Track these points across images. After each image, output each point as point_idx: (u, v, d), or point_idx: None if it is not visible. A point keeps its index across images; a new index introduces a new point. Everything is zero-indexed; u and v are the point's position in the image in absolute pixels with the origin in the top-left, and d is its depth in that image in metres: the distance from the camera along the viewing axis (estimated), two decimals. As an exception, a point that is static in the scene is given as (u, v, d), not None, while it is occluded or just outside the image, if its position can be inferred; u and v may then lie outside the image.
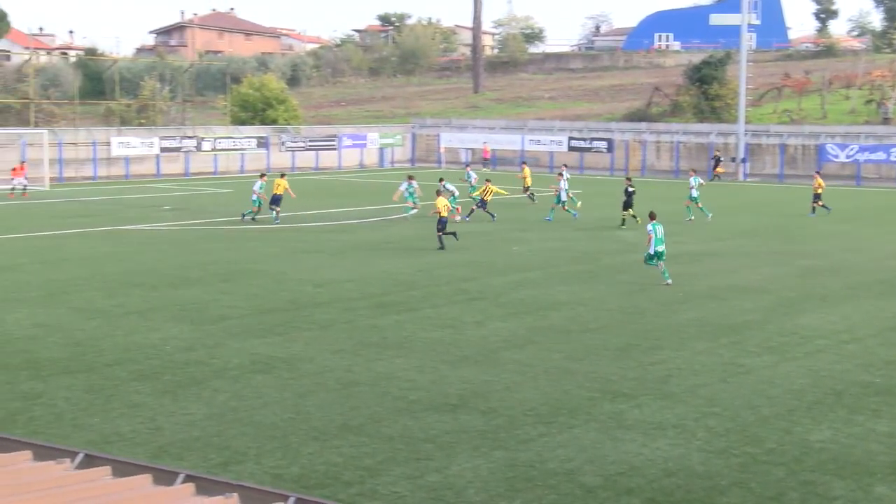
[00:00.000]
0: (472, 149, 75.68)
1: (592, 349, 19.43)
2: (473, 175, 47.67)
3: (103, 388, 16.19)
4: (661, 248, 26.72)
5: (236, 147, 67.43)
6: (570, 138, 72.97)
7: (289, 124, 75.21)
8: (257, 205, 38.77)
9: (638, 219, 38.51)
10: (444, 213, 32.85)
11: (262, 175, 40.91)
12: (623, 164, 70.09)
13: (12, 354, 18.16)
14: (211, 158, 65.67)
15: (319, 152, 72.12)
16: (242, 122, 74.74)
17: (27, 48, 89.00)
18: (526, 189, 48.80)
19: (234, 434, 14.06)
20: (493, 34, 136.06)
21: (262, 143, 68.69)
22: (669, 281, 26.52)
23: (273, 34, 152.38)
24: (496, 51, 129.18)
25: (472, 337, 20.31)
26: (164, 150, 63.52)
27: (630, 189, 40.11)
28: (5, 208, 43.83)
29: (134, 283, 25.50)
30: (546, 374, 17.52)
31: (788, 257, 31.89)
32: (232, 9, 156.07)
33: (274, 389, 16.29)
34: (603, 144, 71.90)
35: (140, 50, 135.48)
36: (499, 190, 41.69)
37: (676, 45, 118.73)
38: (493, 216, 40.42)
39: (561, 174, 43.70)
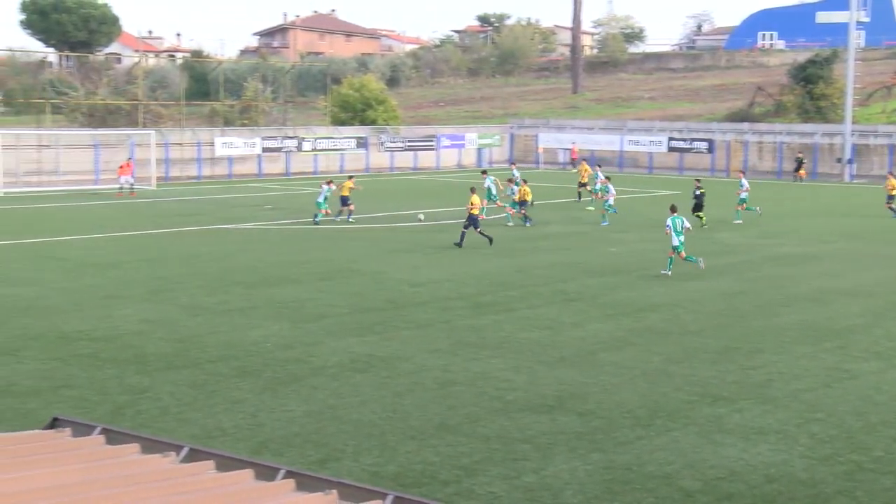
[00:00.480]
0: (569, 149, 75.41)
1: (691, 352, 19.18)
2: (517, 173, 47.64)
3: (206, 384, 16.50)
4: (679, 239, 27.73)
5: (336, 147, 68.18)
6: (670, 139, 72.14)
7: (388, 124, 75.77)
8: (325, 207, 38.73)
9: (703, 219, 38.61)
10: (475, 211, 32.77)
11: (329, 181, 40.76)
12: (724, 165, 69.01)
13: (121, 349, 18.63)
14: (311, 158, 66.50)
15: (418, 152, 72.55)
16: (342, 123, 75.52)
17: (137, 51, 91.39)
18: (582, 185, 48.51)
19: (332, 431, 14.16)
20: (593, 34, 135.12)
21: (362, 143, 69.36)
22: (668, 272, 27.56)
23: (373, 35, 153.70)
24: (596, 51, 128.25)
25: (570, 338, 20.21)
26: (265, 150, 64.55)
27: (699, 191, 39.53)
28: (114, 207, 44.99)
29: (235, 280, 25.97)
30: (644, 377, 17.35)
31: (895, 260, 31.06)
32: (333, 10, 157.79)
33: (372, 388, 16.39)
34: (703, 145, 70.90)
35: (244, 51, 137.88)
36: (528, 193, 39.24)
37: (780, 44, 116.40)
38: (526, 221, 38.52)
39: (608, 178, 42.38)
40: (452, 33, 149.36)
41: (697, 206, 39.19)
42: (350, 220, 39.07)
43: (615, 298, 24.50)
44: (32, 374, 16.88)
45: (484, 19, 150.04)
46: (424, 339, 19.90)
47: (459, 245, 32.30)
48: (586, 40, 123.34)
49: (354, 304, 23.17)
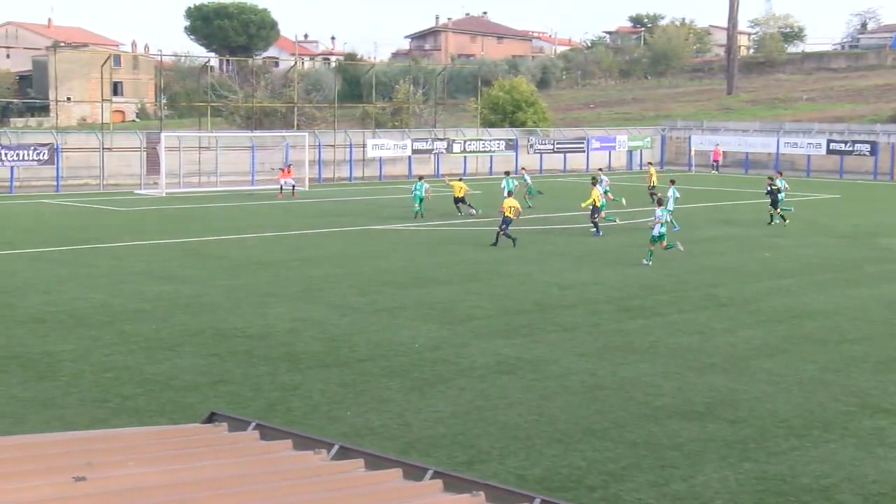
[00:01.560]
0: (725, 151, 73.74)
1: (851, 361, 18.50)
2: (528, 178, 46.79)
3: (355, 383, 16.67)
4: (663, 230, 29.25)
5: (485, 149, 68.33)
6: (829, 141, 69.69)
7: (537, 126, 75.62)
8: (419, 201, 40.92)
9: (775, 217, 38.77)
10: (510, 214, 32.95)
11: (421, 177, 43.75)
12: (888, 168, 66.45)
13: (274, 347, 19.01)
14: (460, 160, 66.82)
15: (567, 154, 72.11)
16: (492, 125, 75.72)
17: (293, 54, 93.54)
18: (651, 188, 47.17)
19: (478, 433, 14.15)
20: (750, 34, 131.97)
21: (511, 145, 69.31)
22: (649, 263, 28.68)
23: (524, 37, 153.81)
24: (752, 51, 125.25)
25: (721, 344, 19.76)
26: (415, 151, 65.14)
27: (771, 188, 39.36)
28: (270, 207, 46.04)
29: (385, 281, 26.26)
30: (799, 386, 16.81)
31: None
32: (485, 13, 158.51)
33: (518, 390, 16.34)
34: (865, 147, 68.25)
35: (396, 54, 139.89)
36: (596, 199, 36.15)
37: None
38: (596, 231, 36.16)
39: (673, 181, 39.89)
40: (604, 34, 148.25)
41: (773, 203, 39.41)
42: (473, 212, 41.16)
43: (769, 304, 23.83)
44: (191, 370, 17.39)
45: (637, 20, 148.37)
46: (572, 342, 19.75)
47: (495, 244, 32.58)
48: (742, 40, 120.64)
49: (502, 306, 23.16)
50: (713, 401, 15.86)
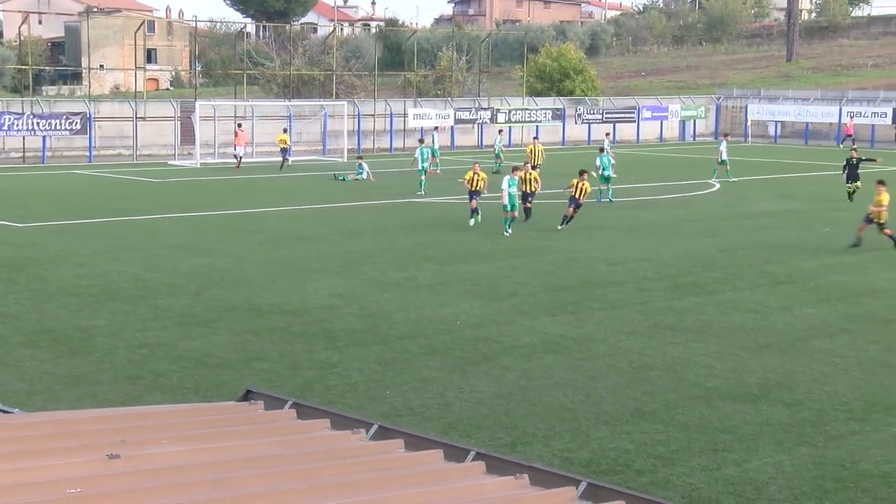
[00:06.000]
0: (782, 121, 72.00)
1: (915, 341, 17.88)
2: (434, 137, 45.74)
3: (395, 361, 16.36)
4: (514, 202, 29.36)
5: (531, 119, 67.30)
6: (896, 110, 67.46)
7: (586, 95, 74.50)
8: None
9: (852, 190, 37.26)
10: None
11: (422, 140, 46.50)
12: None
13: (311, 324, 18.68)
14: (505, 130, 65.76)
15: (617, 125, 70.79)
16: (538, 94, 74.73)
17: (332, 20, 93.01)
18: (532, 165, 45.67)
19: (522, 414, 13.90)
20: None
21: (558, 114, 68.26)
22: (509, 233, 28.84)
23: (573, 1, 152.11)
24: (814, 15, 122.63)
25: (777, 323, 19.23)
26: (458, 121, 64.29)
27: (854, 160, 38.24)
28: (307, 180, 45.62)
29: (426, 255, 25.80)
30: (860, 367, 16.29)
31: None
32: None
33: (564, 370, 15.98)
34: (936, 116, 65.78)
35: (438, 20, 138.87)
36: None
37: None
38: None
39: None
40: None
41: (852, 177, 38.40)
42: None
43: (829, 281, 23.20)
44: (226, 346, 17.12)
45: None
46: (620, 320, 19.28)
47: None
48: (804, 3, 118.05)
49: (547, 283, 22.69)
50: (768, 382, 15.47)
